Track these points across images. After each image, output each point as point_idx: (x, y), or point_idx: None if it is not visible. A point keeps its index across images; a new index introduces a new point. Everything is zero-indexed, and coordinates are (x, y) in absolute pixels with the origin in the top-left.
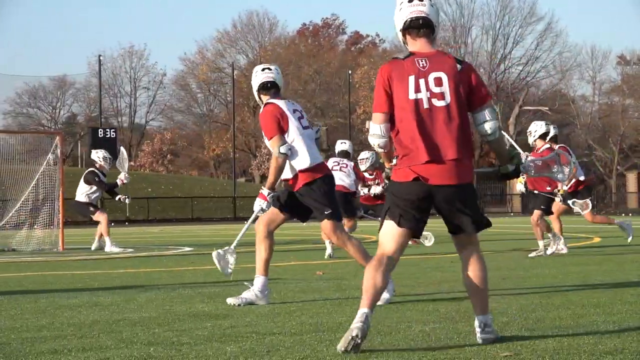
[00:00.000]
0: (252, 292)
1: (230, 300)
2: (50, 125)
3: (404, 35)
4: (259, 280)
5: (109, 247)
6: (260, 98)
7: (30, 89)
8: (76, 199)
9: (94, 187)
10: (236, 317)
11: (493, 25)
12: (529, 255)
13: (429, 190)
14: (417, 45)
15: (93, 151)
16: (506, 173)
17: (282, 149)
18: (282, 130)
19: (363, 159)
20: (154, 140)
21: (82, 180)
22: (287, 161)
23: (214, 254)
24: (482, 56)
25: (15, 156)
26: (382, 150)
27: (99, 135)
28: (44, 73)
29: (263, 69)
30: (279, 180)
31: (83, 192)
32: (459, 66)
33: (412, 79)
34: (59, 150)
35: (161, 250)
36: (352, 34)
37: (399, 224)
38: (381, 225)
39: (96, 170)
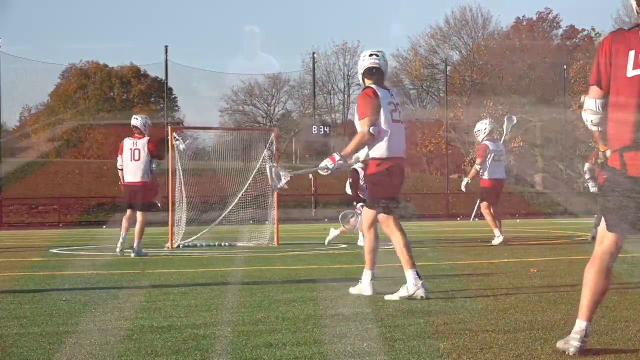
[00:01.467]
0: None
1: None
2: (265, 122)
3: (638, 4)
4: (409, 274)
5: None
6: (363, 81)
7: (246, 87)
8: None
9: None
10: (449, 314)
11: None
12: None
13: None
14: None
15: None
16: None
17: (372, 130)
18: (376, 114)
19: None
20: None
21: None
22: (367, 146)
23: (268, 166)
24: None
25: (232, 153)
26: (596, 128)
27: (313, 132)
28: (259, 71)
29: (370, 54)
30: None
31: None
32: None
33: (632, 53)
34: (274, 147)
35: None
36: (567, 27)
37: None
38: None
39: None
